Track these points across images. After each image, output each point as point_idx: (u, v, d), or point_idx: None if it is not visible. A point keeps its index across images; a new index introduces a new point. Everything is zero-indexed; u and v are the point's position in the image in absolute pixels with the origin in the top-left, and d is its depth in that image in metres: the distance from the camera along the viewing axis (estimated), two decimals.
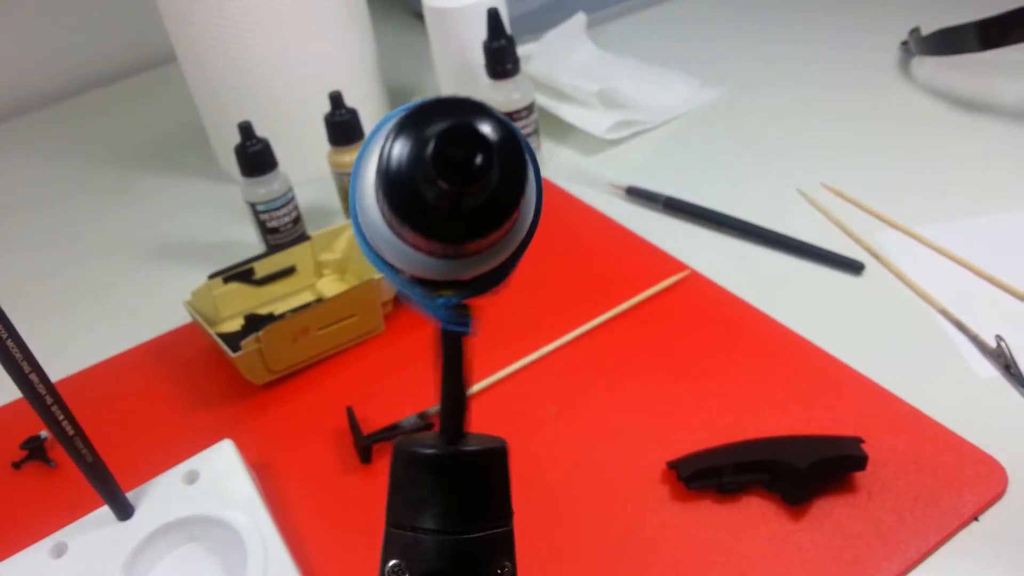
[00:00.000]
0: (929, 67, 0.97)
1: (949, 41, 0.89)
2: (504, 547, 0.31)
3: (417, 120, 0.23)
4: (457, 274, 0.26)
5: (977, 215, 0.74)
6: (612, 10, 1.20)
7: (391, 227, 0.25)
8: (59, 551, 0.52)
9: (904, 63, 0.99)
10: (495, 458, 0.31)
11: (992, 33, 0.83)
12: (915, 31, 0.98)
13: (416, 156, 0.23)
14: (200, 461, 0.56)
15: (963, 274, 0.68)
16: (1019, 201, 0.75)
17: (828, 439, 0.54)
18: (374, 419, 0.62)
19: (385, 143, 0.24)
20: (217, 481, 0.55)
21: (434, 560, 0.30)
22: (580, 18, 1.06)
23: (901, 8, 1.10)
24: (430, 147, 0.23)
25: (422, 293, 0.28)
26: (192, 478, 0.55)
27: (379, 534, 0.54)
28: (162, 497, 0.54)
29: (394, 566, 0.30)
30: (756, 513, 0.52)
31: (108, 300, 0.81)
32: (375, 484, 0.58)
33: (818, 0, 1.17)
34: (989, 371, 0.60)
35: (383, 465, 0.59)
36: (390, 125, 0.24)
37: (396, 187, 0.23)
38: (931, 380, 0.59)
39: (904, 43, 1.01)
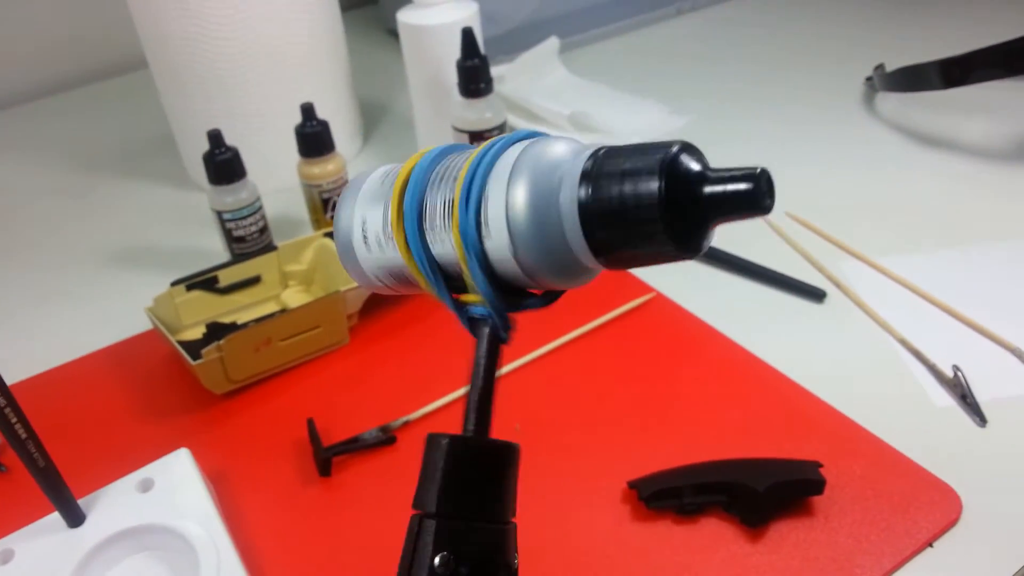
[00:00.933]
0: (892, 103, 0.99)
1: (912, 79, 0.91)
2: (515, 540, 0.33)
3: (687, 161, 0.29)
4: (560, 285, 0.33)
5: (936, 249, 0.76)
6: (584, 36, 1.21)
7: (594, 243, 0.30)
8: (5, 558, 0.50)
9: (868, 98, 1.01)
10: (517, 455, 0.33)
11: (954, 73, 0.85)
12: (880, 67, 1.00)
13: (741, 188, 0.28)
14: (155, 469, 0.55)
15: (922, 305, 0.69)
16: (977, 236, 0.76)
17: (787, 463, 0.55)
18: (335, 432, 0.61)
19: (659, 176, 0.28)
20: (172, 490, 0.54)
21: (481, 548, 0.31)
22: (553, 42, 1.07)
23: (866, 45, 1.13)
24: (751, 184, 0.28)
25: (504, 302, 0.33)
26: (146, 486, 0.54)
27: (336, 548, 0.54)
28: (115, 505, 0.53)
29: (444, 558, 0.30)
30: (715, 534, 0.52)
31: (68, 304, 0.80)
32: (334, 497, 0.57)
33: (785, 35, 1.20)
34: (946, 400, 0.61)
35: (343, 478, 0.58)
36: (652, 163, 0.28)
37: (681, 212, 0.28)
38: (889, 407, 0.60)
39: (868, 79, 1.03)
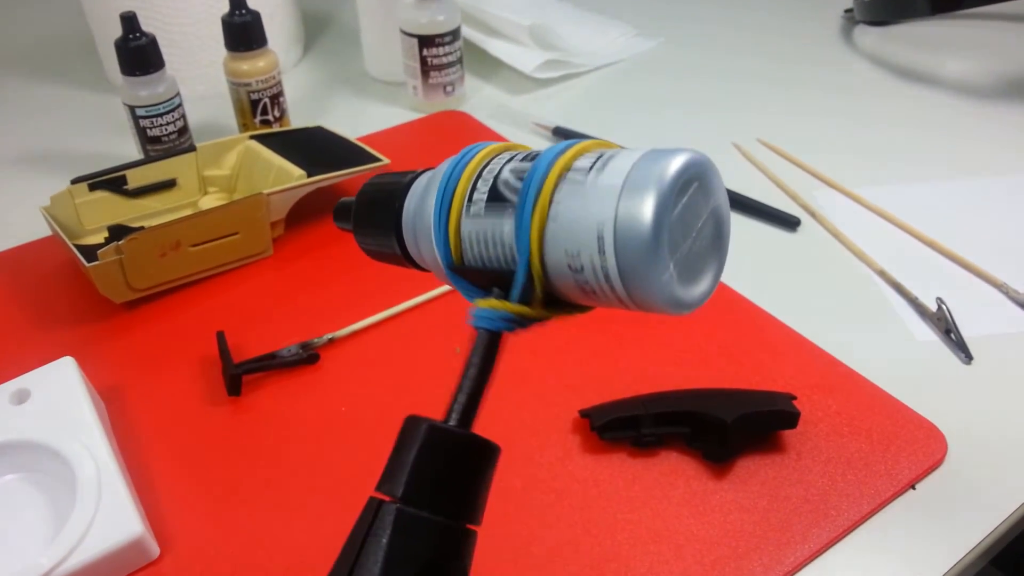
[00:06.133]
0: (871, 36, 0.94)
1: (897, 5, 0.86)
2: (472, 548, 0.28)
3: None
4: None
5: (915, 181, 0.70)
6: None
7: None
8: None
9: (847, 31, 0.95)
10: (496, 456, 0.29)
11: None
12: None
13: None
14: (33, 379, 0.47)
15: (902, 237, 0.64)
16: (957, 170, 0.71)
17: (757, 394, 0.49)
18: (251, 348, 0.54)
19: None
20: (51, 404, 0.46)
21: (439, 546, 0.26)
22: None
23: None
24: None
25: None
26: (21, 398, 0.47)
27: (242, 474, 0.47)
28: None
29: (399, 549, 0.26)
30: (675, 469, 0.46)
31: None
32: (243, 419, 0.50)
33: None
34: (927, 334, 0.55)
35: (255, 398, 0.51)
36: None
37: None
38: (867, 340, 0.55)
39: (848, 11, 0.97)
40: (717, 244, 0.27)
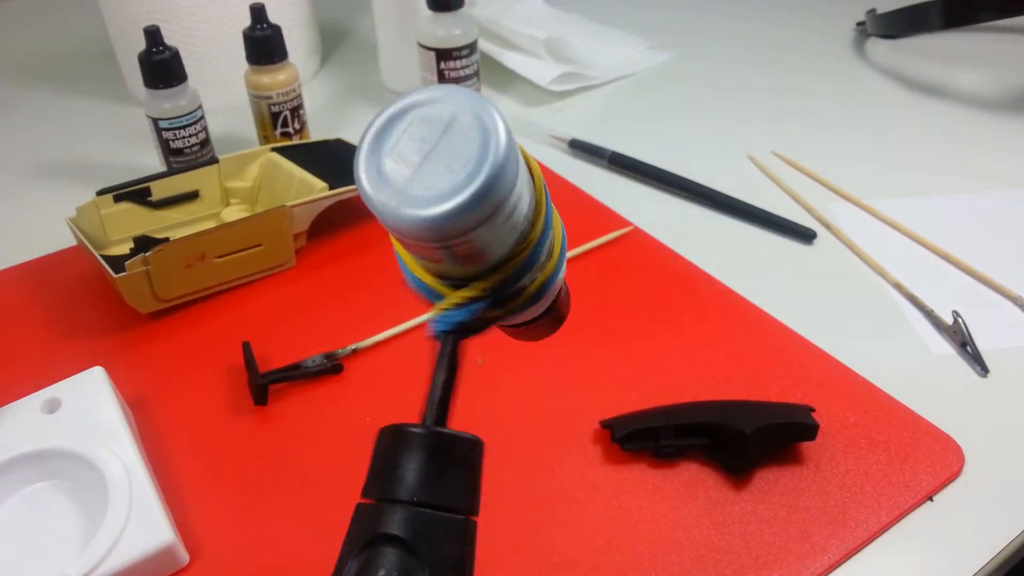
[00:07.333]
0: (883, 49, 0.94)
1: (910, 19, 0.86)
2: (473, 537, 0.29)
3: None
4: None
5: (929, 193, 0.71)
6: None
7: None
8: None
9: (859, 44, 0.96)
10: (477, 448, 0.30)
11: (957, 11, 0.80)
12: (871, 12, 0.95)
13: None
14: (64, 389, 0.48)
15: (916, 249, 0.65)
16: (971, 182, 0.72)
17: (776, 405, 0.50)
18: (275, 358, 0.55)
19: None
20: (82, 412, 0.47)
21: (439, 538, 0.28)
22: None
23: None
24: None
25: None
26: (53, 407, 0.47)
27: (270, 482, 0.48)
28: (15, 426, 0.46)
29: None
30: (694, 480, 0.47)
31: None
32: (269, 428, 0.51)
33: None
34: (944, 347, 0.56)
35: (280, 408, 0.52)
36: None
37: None
38: (883, 353, 0.55)
39: (860, 23, 0.98)
40: (465, 148, 0.26)
